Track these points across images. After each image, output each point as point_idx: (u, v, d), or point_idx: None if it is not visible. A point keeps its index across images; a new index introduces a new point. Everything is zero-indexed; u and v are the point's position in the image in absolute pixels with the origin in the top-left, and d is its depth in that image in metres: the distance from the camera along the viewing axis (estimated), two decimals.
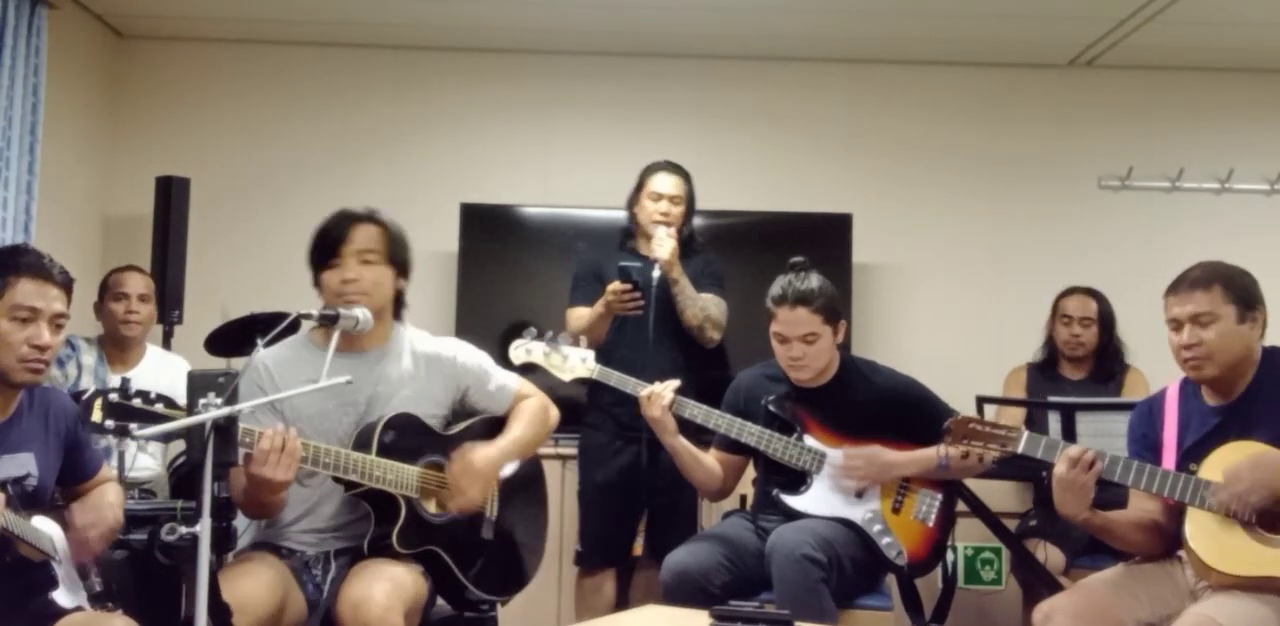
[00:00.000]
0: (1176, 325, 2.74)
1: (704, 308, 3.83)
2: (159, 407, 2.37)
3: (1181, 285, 2.75)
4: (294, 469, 2.55)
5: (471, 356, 3.03)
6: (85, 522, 2.60)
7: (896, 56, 5.24)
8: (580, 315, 3.83)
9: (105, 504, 2.67)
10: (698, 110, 5.26)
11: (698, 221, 4.92)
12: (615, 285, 3.67)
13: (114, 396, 2.31)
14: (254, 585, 2.57)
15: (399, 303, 2.96)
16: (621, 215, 4.05)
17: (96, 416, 2.29)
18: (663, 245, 3.75)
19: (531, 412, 3.05)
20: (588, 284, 3.88)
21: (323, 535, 2.84)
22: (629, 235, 3.97)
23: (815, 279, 3.34)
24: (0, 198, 3.97)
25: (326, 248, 2.84)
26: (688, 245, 3.91)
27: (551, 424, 3.11)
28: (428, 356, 2.95)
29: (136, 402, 2.34)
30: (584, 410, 3.95)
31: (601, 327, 3.78)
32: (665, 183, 3.91)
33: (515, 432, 2.98)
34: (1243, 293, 2.72)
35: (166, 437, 3.41)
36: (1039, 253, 5.20)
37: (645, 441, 3.65)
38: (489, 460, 2.86)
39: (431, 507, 2.85)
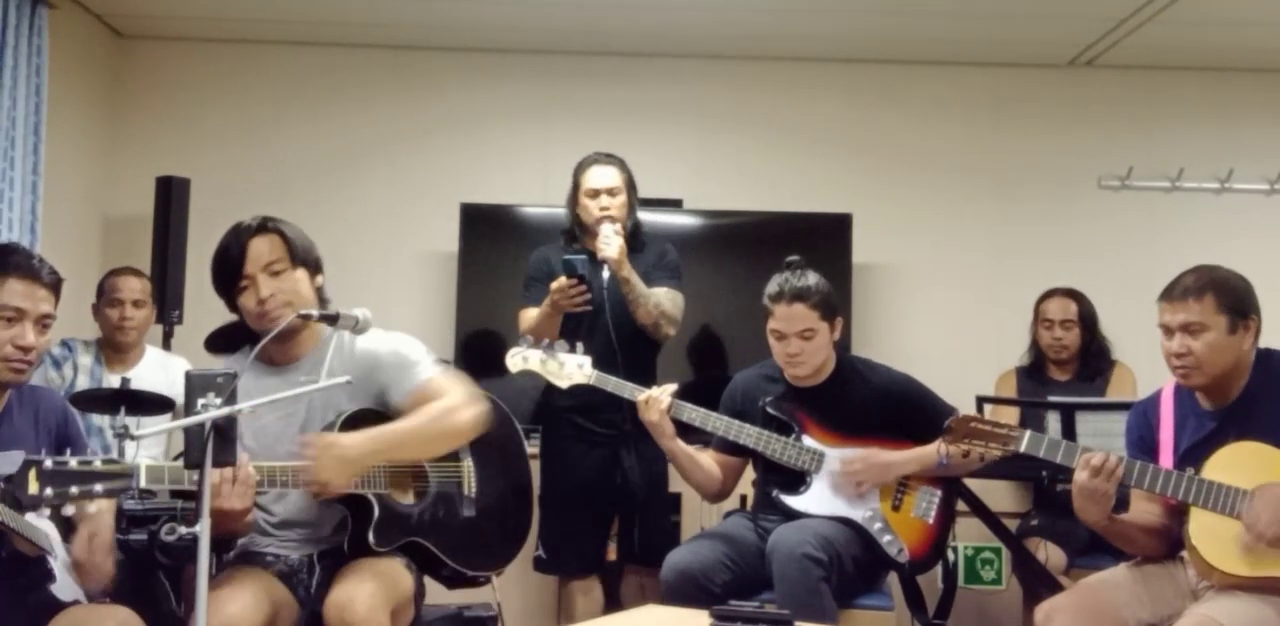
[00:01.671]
0: (1167, 332, 2.72)
1: (657, 304, 3.67)
2: (97, 464, 2.23)
3: (1174, 292, 2.71)
4: (250, 495, 2.47)
5: (393, 350, 2.78)
6: (84, 535, 2.58)
7: (896, 56, 5.24)
8: (529, 316, 3.68)
9: (105, 522, 2.63)
10: (698, 110, 5.26)
11: (698, 221, 4.98)
12: (560, 281, 3.52)
13: (48, 464, 2.18)
14: (238, 608, 2.51)
15: (322, 298, 2.80)
16: None
17: (33, 488, 2.15)
18: (609, 243, 3.58)
19: (428, 413, 2.70)
20: (539, 284, 3.70)
21: (301, 532, 2.80)
22: (573, 237, 3.81)
23: (812, 276, 3.35)
24: (7, 198, 3.98)
25: (230, 271, 2.69)
26: (635, 237, 3.75)
27: (454, 426, 2.73)
28: (356, 355, 2.77)
29: (72, 464, 2.20)
30: (539, 413, 3.84)
31: (550, 327, 3.60)
32: (599, 176, 3.75)
33: (397, 424, 2.68)
34: (1235, 302, 2.68)
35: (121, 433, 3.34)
36: (1039, 252, 5.20)
37: (611, 445, 3.65)
38: (353, 441, 2.60)
39: (407, 498, 2.82)
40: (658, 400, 3.29)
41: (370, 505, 2.69)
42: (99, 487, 2.21)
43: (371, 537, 2.68)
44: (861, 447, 3.32)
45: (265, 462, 2.54)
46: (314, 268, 2.79)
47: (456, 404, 2.72)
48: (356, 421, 2.68)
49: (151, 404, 3.56)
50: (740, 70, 5.27)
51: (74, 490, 2.18)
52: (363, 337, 2.74)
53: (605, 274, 3.63)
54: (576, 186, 3.78)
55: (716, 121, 5.26)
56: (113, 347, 4.08)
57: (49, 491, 2.16)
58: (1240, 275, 2.75)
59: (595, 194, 3.73)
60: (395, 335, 2.82)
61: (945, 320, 5.18)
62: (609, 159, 3.81)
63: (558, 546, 3.73)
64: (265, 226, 2.73)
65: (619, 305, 3.66)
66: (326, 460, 2.54)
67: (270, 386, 2.58)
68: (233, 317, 2.81)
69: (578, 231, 3.80)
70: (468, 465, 2.96)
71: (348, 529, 2.73)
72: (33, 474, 2.15)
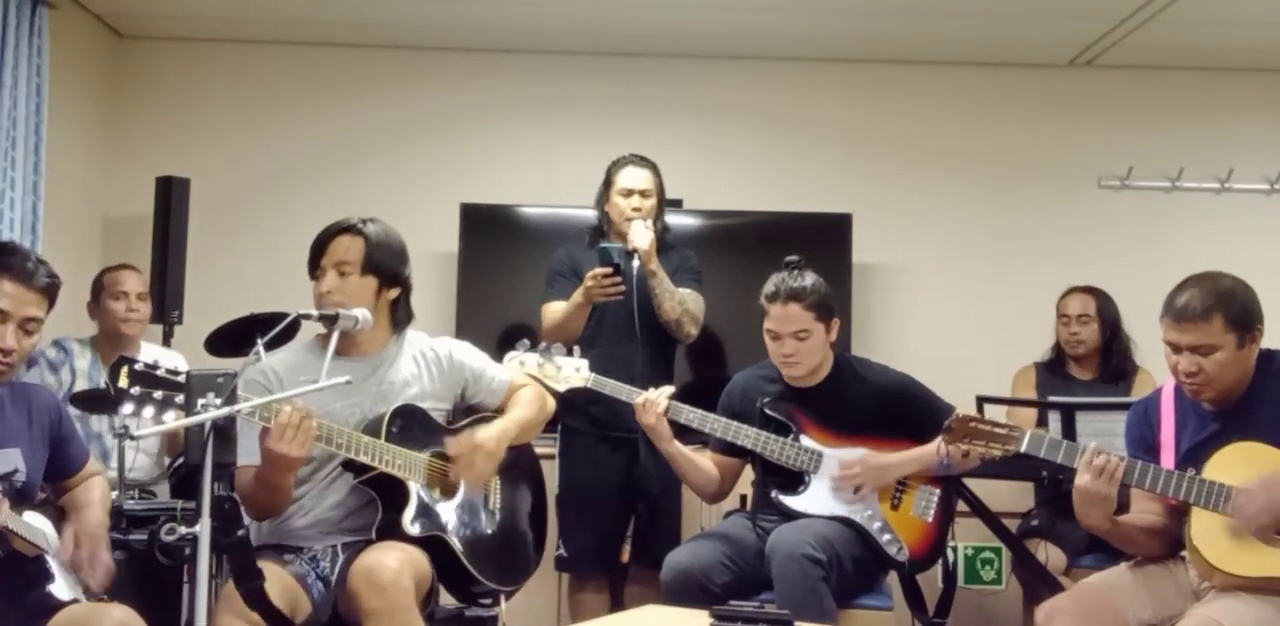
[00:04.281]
0: (1175, 349, 2.66)
1: (681, 301, 3.74)
2: (181, 378, 2.40)
3: (1178, 314, 2.63)
4: (309, 445, 2.59)
5: (468, 353, 3.11)
6: (82, 540, 2.59)
7: (896, 56, 5.24)
8: (556, 309, 3.74)
9: (91, 516, 2.65)
10: (698, 110, 5.26)
11: (698, 221, 4.98)
12: (596, 270, 3.58)
13: (139, 365, 2.37)
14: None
15: (398, 310, 2.99)
16: None
17: (123, 382, 2.33)
18: (641, 235, 3.65)
19: (529, 399, 3.13)
20: (565, 279, 3.79)
21: (328, 528, 2.85)
22: (600, 234, 3.88)
23: (809, 277, 3.34)
24: (8, 198, 3.98)
25: (311, 259, 2.93)
26: (661, 239, 3.82)
27: (549, 410, 3.19)
28: (427, 356, 3.01)
29: (160, 371, 2.38)
30: (561, 411, 3.82)
31: (579, 319, 3.68)
32: (634, 177, 3.82)
33: (515, 413, 3.07)
34: (1242, 315, 2.62)
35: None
36: (1039, 252, 5.20)
37: (631, 444, 3.65)
38: (491, 435, 2.95)
39: (437, 495, 2.89)
40: (654, 403, 3.29)
41: (407, 492, 2.79)
42: (180, 399, 2.34)
43: (406, 519, 2.76)
44: (859, 447, 3.32)
45: (330, 423, 2.70)
46: (389, 279, 2.93)
47: (542, 392, 3.19)
48: (401, 415, 2.85)
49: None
50: (740, 70, 5.27)
51: (158, 394, 2.34)
52: (421, 339, 3.03)
53: (634, 265, 3.67)
54: (609, 184, 3.86)
55: (716, 121, 5.25)
56: (111, 344, 4.04)
57: (137, 389, 2.33)
58: (1241, 282, 2.69)
59: (628, 193, 3.81)
60: (445, 338, 3.12)
61: (945, 320, 5.18)
62: (644, 161, 3.89)
63: (580, 545, 3.76)
64: (355, 227, 2.90)
65: (646, 298, 3.70)
66: (480, 458, 2.90)
67: (347, 370, 2.68)
68: (230, 319, 2.84)
69: (605, 228, 3.86)
70: (494, 481, 3.05)
71: (377, 516, 2.80)
72: (125, 370, 2.34)
